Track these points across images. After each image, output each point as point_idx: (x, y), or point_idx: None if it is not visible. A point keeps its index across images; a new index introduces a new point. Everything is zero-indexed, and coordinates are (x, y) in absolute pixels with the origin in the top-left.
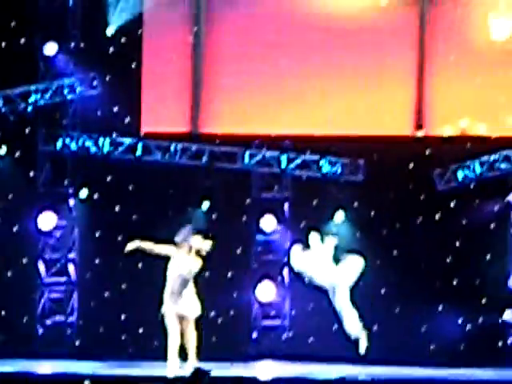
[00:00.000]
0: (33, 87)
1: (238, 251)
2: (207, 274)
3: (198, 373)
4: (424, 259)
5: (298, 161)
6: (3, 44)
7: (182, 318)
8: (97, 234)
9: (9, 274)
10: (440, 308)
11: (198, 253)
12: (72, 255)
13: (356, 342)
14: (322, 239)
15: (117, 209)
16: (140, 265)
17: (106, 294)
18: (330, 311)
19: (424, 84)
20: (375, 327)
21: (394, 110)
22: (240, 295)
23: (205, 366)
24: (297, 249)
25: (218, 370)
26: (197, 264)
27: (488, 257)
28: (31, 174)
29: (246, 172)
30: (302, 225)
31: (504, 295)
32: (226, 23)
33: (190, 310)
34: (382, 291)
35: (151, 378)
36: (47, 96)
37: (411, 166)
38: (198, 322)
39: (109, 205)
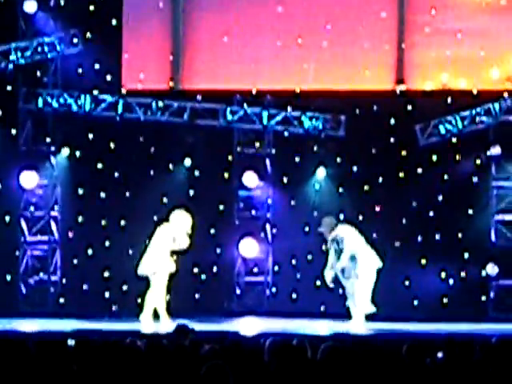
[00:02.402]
0: (13, 45)
1: (221, 208)
2: (190, 231)
3: (181, 329)
4: (406, 214)
5: (280, 117)
6: None
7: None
8: (79, 192)
9: None
10: (423, 263)
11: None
12: (54, 213)
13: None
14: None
15: (99, 166)
16: (123, 222)
17: (89, 252)
18: (313, 267)
19: (404, 39)
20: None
21: (375, 65)
22: (223, 252)
23: (188, 322)
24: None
25: (201, 326)
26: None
27: (470, 211)
28: (13, 132)
29: (228, 128)
30: (284, 181)
31: (486, 249)
32: None
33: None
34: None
35: (135, 335)
36: (28, 54)
37: (393, 121)
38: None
39: (91, 162)
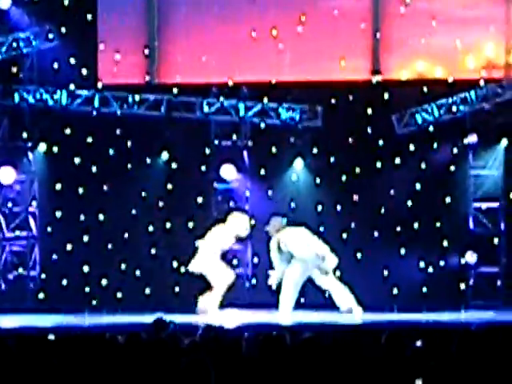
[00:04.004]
0: None
1: (199, 200)
2: (168, 224)
3: (160, 324)
4: (384, 204)
5: (256, 108)
6: None
7: None
8: (57, 187)
9: None
10: (402, 252)
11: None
12: (32, 209)
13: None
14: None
15: (76, 161)
16: (101, 217)
17: (68, 247)
18: None
19: (379, 28)
20: (337, 273)
21: (351, 55)
22: None
23: (168, 316)
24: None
25: (181, 318)
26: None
27: (448, 199)
28: None
29: (205, 121)
30: (261, 172)
31: (465, 237)
32: None
33: None
34: (344, 236)
35: (115, 329)
36: (3, 50)
37: (369, 110)
38: None
39: (68, 157)
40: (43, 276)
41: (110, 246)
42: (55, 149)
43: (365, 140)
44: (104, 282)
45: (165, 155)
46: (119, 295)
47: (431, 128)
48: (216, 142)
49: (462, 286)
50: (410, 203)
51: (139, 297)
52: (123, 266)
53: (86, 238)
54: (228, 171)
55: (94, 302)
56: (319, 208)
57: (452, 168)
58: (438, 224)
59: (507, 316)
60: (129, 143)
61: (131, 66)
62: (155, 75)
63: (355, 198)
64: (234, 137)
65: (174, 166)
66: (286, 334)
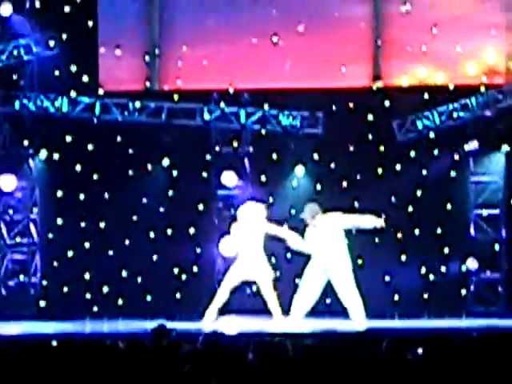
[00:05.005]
0: None
1: (200, 207)
2: (169, 231)
3: (161, 331)
4: (385, 210)
5: (257, 115)
6: None
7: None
8: (58, 194)
9: None
10: (403, 259)
11: None
12: (33, 216)
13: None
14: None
15: (77, 168)
16: (102, 224)
17: (69, 254)
18: (292, 266)
19: (380, 35)
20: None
21: (351, 61)
22: (203, 251)
23: (169, 323)
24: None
25: (182, 326)
26: None
27: (449, 206)
28: None
29: (206, 128)
30: (262, 179)
31: (466, 244)
32: None
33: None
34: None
35: (116, 336)
36: (3, 57)
37: (370, 117)
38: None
39: (69, 164)
40: (44, 283)
41: (111, 253)
42: (56, 156)
43: (366, 146)
44: (105, 288)
45: (166, 162)
46: (120, 302)
47: (432, 134)
48: (217, 148)
49: (463, 292)
50: (410, 209)
51: (140, 304)
52: (124, 273)
53: (87, 245)
54: (229, 178)
55: (95, 309)
56: None
57: (453, 174)
58: (439, 230)
59: (508, 322)
60: (130, 150)
61: (132, 72)
62: (156, 82)
63: (356, 204)
64: (235, 143)
65: (174, 172)
66: (287, 341)
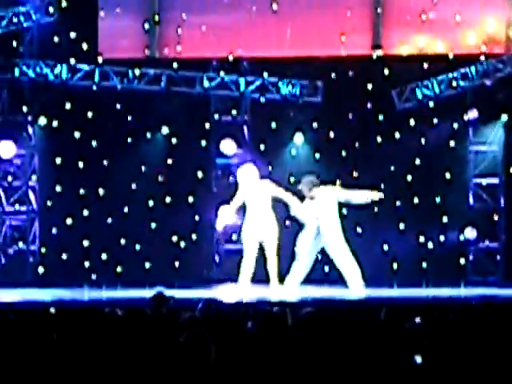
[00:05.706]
0: None
1: (199, 175)
2: (168, 199)
3: (159, 298)
4: (384, 179)
5: (257, 83)
6: None
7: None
8: (57, 162)
9: None
10: (401, 227)
11: None
12: (32, 183)
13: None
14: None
15: (76, 136)
16: (101, 191)
17: (68, 222)
18: (290, 233)
19: (381, 3)
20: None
21: (351, 30)
22: (202, 219)
23: (168, 290)
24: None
25: (181, 293)
26: None
27: (448, 175)
28: None
29: (205, 96)
30: (261, 147)
31: (464, 213)
32: None
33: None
34: (343, 212)
35: (114, 304)
36: (3, 24)
37: (369, 85)
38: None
39: (68, 132)
40: (43, 250)
41: (109, 221)
42: (55, 123)
43: (365, 115)
44: (104, 256)
45: (165, 130)
46: (119, 270)
47: (431, 103)
48: (216, 116)
49: (462, 261)
50: (409, 178)
51: (139, 271)
52: (123, 241)
53: (85, 213)
54: (228, 146)
55: (94, 277)
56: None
57: (452, 144)
58: (437, 199)
59: (507, 291)
60: (129, 118)
61: (132, 39)
62: (155, 49)
63: (355, 173)
64: (234, 112)
65: (174, 140)
66: (286, 309)
